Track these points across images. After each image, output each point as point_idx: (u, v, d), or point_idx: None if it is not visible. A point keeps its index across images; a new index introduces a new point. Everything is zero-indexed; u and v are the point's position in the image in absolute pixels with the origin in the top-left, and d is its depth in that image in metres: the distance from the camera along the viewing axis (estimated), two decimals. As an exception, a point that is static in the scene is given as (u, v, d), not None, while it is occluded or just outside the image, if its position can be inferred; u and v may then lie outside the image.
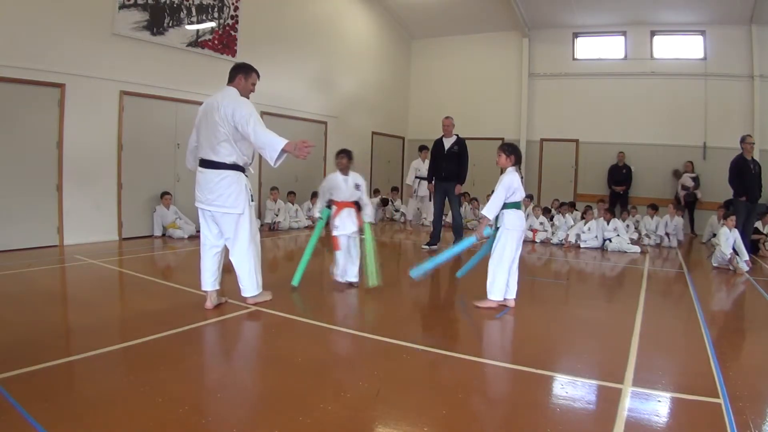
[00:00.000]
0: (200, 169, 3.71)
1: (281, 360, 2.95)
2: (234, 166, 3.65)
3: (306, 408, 2.28)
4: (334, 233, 4.68)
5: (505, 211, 4.06)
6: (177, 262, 6.33)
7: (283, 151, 3.47)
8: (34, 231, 6.29)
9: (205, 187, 3.67)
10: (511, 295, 4.19)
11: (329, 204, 4.79)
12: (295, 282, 4.63)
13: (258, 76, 3.87)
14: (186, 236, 7.57)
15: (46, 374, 2.54)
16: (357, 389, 2.50)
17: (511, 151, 4.15)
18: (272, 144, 3.47)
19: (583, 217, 8.51)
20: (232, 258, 3.79)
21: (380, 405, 2.36)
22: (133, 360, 2.86)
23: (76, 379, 2.61)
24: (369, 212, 4.83)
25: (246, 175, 3.79)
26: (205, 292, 3.84)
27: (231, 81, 3.78)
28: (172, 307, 3.95)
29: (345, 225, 4.66)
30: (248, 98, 3.77)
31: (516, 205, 4.09)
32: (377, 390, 2.49)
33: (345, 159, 4.75)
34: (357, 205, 4.80)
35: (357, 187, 4.77)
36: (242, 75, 3.78)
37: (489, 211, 4.05)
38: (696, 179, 10.30)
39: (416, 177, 9.83)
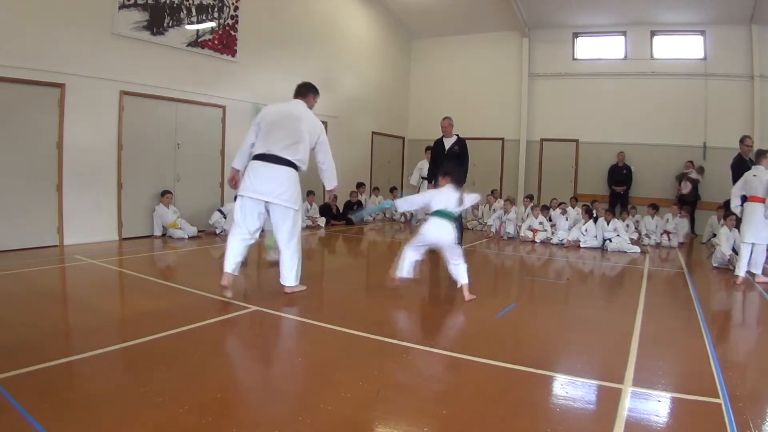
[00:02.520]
0: (264, 163, 3.99)
1: (281, 360, 2.95)
2: (297, 168, 4.08)
3: (306, 408, 2.28)
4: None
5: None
6: (177, 262, 6.33)
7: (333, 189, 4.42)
8: (34, 231, 6.29)
9: (271, 180, 3.95)
10: (461, 281, 4.34)
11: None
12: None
13: (319, 95, 4.50)
14: (186, 236, 7.57)
15: (46, 374, 2.54)
16: (357, 389, 2.50)
17: (443, 173, 4.54)
18: (333, 179, 4.37)
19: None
20: (285, 249, 4.12)
21: (380, 405, 2.36)
22: (133, 360, 2.86)
23: (76, 379, 2.61)
24: None
25: None
26: (225, 272, 4.02)
27: (303, 96, 4.34)
28: (172, 307, 3.95)
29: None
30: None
31: (436, 213, 4.28)
32: (377, 390, 2.49)
33: None
34: None
35: None
36: (313, 95, 4.39)
37: (401, 202, 4.57)
38: (697, 180, 10.30)
39: (420, 177, 9.79)
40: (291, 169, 4.04)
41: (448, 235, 4.24)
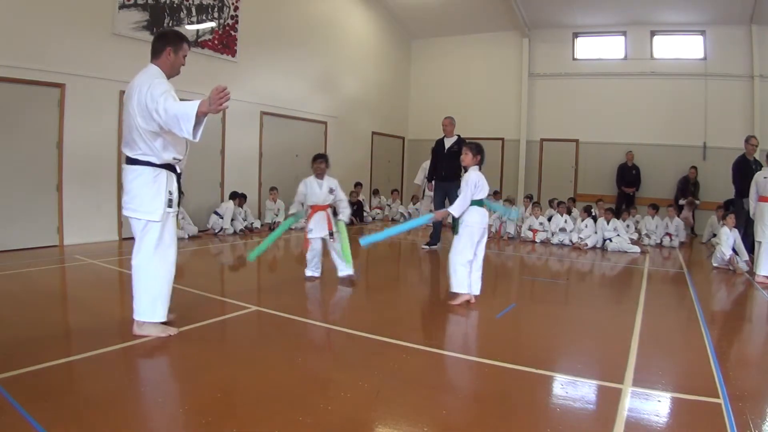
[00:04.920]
0: (123, 166, 3.15)
1: (281, 360, 2.95)
2: (149, 164, 3.03)
3: (306, 408, 2.28)
4: (309, 236, 4.87)
5: (468, 207, 4.15)
6: (176, 262, 6.31)
7: (200, 114, 2.70)
8: (34, 231, 6.29)
9: (124, 188, 3.09)
10: (475, 291, 4.24)
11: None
12: (251, 257, 4.95)
13: (189, 47, 3.16)
14: (187, 236, 7.56)
15: (46, 374, 2.54)
16: (357, 389, 2.50)
17: (478, 151, 4.24)
18: (184, 114, 2.71)
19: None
20: (133, 270, 3.13)
21: (380, 405, 2.36)
22: (133, 360, 2.86)
23: (76, 379, 2.61)
24: (346, 213, 5.09)
25: (177, 173, 3.18)
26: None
27: (156, 56, 3.05)
28: (172, 307, 3.94)
29: (318, 228, 4.88)
30: (178, 74, 3.12)
31: (479, 203, 4.15)
32: (377, 390, 2.49)
33: (324, 164, 4.89)
34: (332, 209, 5.06)
35: (331, 191, 4.95)
36: (171, 47, 3.03)
37: (456, 209, 4.12)
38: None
39: (425, 177, 9.71)
40: (138, 168, 3.02)
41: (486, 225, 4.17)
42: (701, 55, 10.79)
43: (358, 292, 4.70)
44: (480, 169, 4.23)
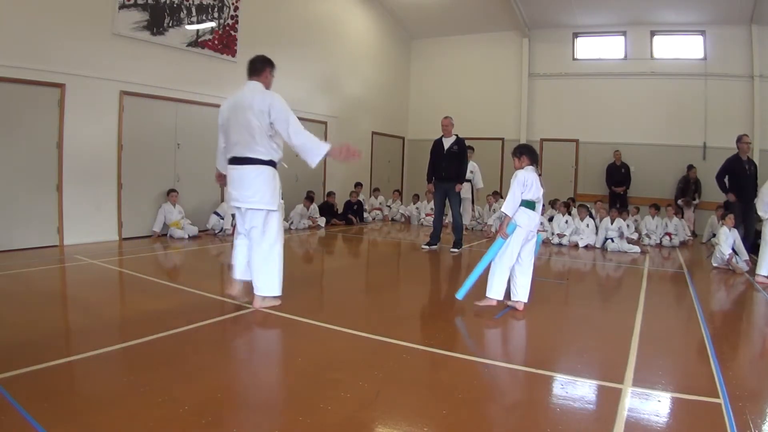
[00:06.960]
0: (234, 166, 3.71)
1: (281, 360, 2.95)
2: (270, 162, 3.69)
3: (306, 408, 2.28)
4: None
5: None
6: (177, 262, 6.33)
7: (329, 155, 3.62)
8: (34, 231, 6.29)
9: (241, 184, 3.67)
10: (519, 297, 4.06)
11: None
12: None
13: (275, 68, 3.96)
14: (187, 236, 7.57)
15: (46, 374, 2.54)
16: (357, 389, 2.50)
17: (519, 152, 4.11)
18: (315, 149, 3.58)
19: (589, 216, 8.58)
20: (254, 255, 3.74)
21: (380, 405, 2.36)
22: (133, 360, 2.86)
23: (76, 379, 2.61)
24: None
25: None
26: (234, 279, 3.91)
27: (258, 74, 3.77)
28: (172, 307, 3.95)
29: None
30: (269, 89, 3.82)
31: (529, 204, 4.00)
32: (377, 390, 2.49)
33: None
34: None
35: None
36: (269, 68, 3.81)
37: (508, 208, 3.97)
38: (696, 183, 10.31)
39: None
40: (260, 167, 3.66)
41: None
42: (701, 55, 10.79)
43: (358, 292, 4.70)
44: (537, 169, 4.10)
